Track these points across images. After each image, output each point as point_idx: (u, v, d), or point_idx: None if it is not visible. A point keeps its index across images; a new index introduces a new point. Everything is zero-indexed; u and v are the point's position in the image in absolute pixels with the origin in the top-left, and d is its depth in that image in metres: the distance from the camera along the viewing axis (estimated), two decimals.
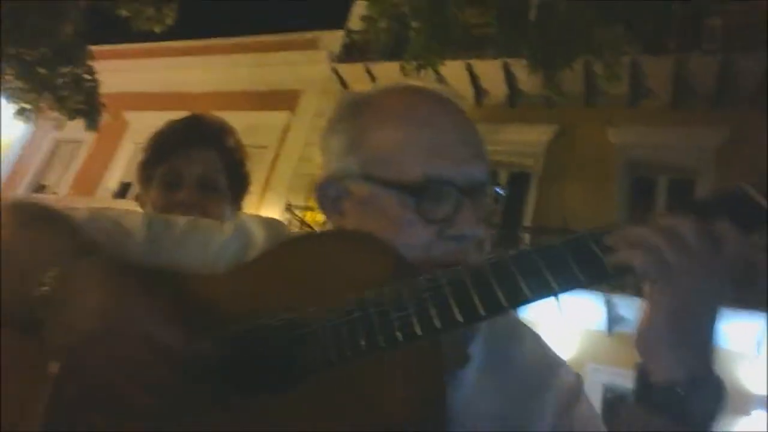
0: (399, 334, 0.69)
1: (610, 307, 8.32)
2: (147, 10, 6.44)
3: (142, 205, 1.62)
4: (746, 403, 7.43)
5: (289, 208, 10.31)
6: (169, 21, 6.62)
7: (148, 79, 13.55)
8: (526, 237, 9.50)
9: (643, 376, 0.74)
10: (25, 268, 0.75)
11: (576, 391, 0.90)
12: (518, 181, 10.63)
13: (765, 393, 7.25)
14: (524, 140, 10.54)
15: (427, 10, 4.81)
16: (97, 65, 6.85)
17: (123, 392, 0.67)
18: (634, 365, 0.75)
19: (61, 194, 12.98)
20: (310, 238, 0.87)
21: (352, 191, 0.86)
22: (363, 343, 0.69)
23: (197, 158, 1.57)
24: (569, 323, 8.71)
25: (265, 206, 11.00)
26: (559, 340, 8.56)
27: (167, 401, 0.67)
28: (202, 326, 0.72)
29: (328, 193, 0.88)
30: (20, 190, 13.48)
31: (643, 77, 9.94)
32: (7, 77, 5.93)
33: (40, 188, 13.87)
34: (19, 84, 6.06)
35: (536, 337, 0.96)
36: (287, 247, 0.83)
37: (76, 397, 0.70)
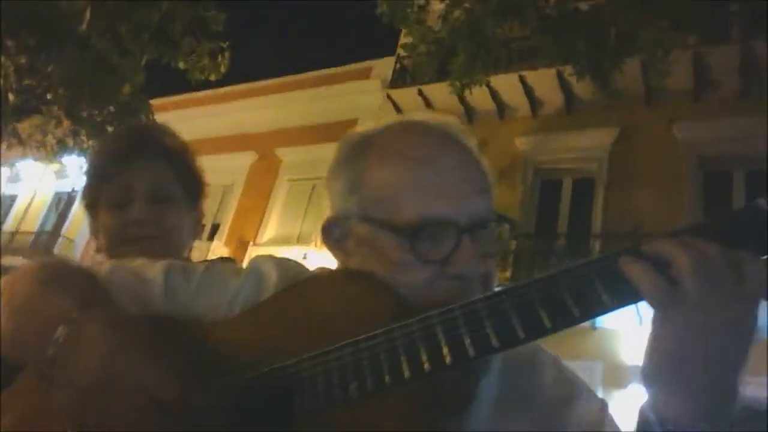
0: (387, 378, 0.69)
1: None
2: (202, 60, 6.79)
3: (95, 233, 1.49)
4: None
5: None
6: (223, 69, 6.95)
7: (212, 124, 14.16)
8: (597, 245, 9.21)
9: (642, 410, 0.71)
10: (39, 326, 0.79)
11: (598, 422, 0.86)
12: (583, 187, 10.36)
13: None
14: (585, 146, 10.29)
15: (465, 31, 4.83)
16: (161, 116, 7.26)
17: None
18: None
19: None
20: (313, 281, 0.88)
21: (353, 231, 0.86)
22: (354, 386, 0.70)
23: (143, 170, 1.43)
24: (649, 329, 8.33)
25: None
26: (639, 347, 8.21)
27: None
28: (205, 376, 0.74)
29: (332, 232, 0.89)
30: None
31: (707, 69, 9.52)
32: (81, 138, 6.41)
33: None
34: (91, 143, 6.50)
35: (556, 366, 0.93)
36: (292, 291, 0.84)
37: None
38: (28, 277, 0.89)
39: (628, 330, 8.58)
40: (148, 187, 1.41)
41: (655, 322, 0.68)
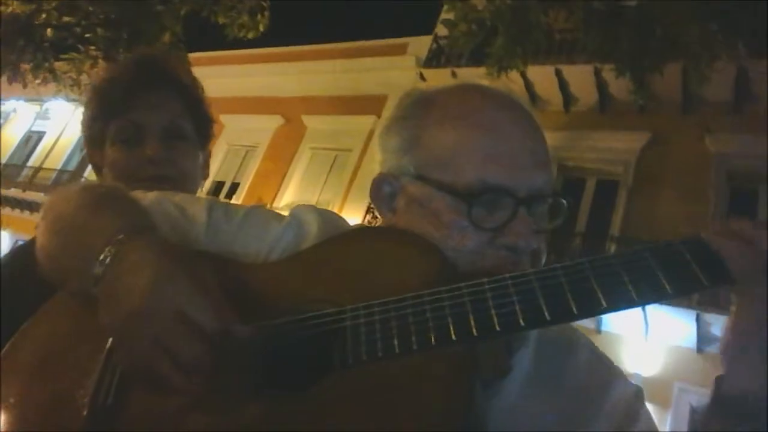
0: (433, 338, 0.68)
1: (701, 324, 7.85)
2: (242, 17, 6.78)
3: (97, 169, 1.40)
4: None
5: (370, 209, 10.48)
6: (262, 28, 6.93)
7: (242, 84, 14.17)
8: (613, 248, 9.13)
9: (719, 382, 0.70)
10: (86, 246, 0.79)
11: (634, 408, 0.85)
12: (606, 189, 10.24)
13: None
14: (614, 147, 10.15)
15: (508, 13, 4.75)
16: (195, 71, 7.28)
17: (159, 369, 0.69)
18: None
19: None
20: (359, 234, 0.87)
21: (406, 190, 0.84)
22: (396, 342, 0.69)
23: (156, 105, 1.34)
24: (655, 338, 8.30)
25: (348, 206, 11.23)
26: (643, 355, 8.20)
27: (199, 381, 0.69)
28: (244, 313, 0.74)
29: (382, 189, 0.87)
30: None
31: (749, 83, 9.31)
32: None
33: None
34: None
35: (592, 348, 0.91)
36: (335, 242, 0.83)
37: (123, 372, 0.75)
38: (75, 197, 0.89)
39: (633, 337, 8.55)
40: (161, 124, 1.34)
41: (741, 297, 0.68)
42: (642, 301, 0.65)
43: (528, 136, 0.83)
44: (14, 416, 0.79)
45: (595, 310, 0.65)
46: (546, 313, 0.66)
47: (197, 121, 1.41)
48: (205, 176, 1.49)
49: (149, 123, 1.33)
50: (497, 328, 0.67)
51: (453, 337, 0.67)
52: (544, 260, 0.82)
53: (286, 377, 0.72)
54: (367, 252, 0.80)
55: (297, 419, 0.69)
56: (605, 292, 0.65)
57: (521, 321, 0.66)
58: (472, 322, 0.67)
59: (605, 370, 0.89)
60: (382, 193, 0.87)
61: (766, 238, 0.64)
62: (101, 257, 0.76)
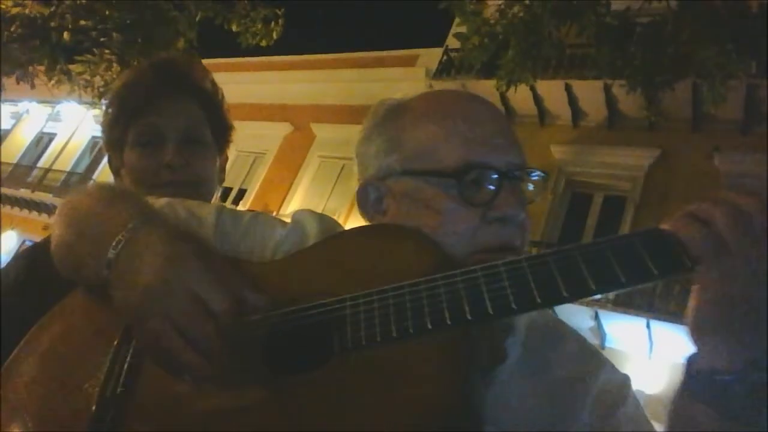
0: (428, 322, 0.70)
1: None
2: (255, 25, 6.85)
3: (116, 172, 1.41)
4: None
5: None
6: (276, 36, 7.00)
7: (252, 91, 14.25)
8: None
9: (689, 364, 0.71)
10: (99, 233, 0.83)
11: (621, 392, 0.88)
12: (613, 205, 10.24)
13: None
14: (622, 163, 10.16)
15: (521, 27, 4.78)
16: None
17: (169, 346, 0.71)
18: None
19: None
20: (356, 232, 0.89)
21: (392, 190, 0.88)
22: (393, 328, 0.71)
23: (177, 110, 1.36)
24: (660, 356, 8.24)
25: (354, 216, 11.25)
26: (647, 372, 8.14)
27: (211, 361, 0.71)
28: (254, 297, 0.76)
29: (369, 195, 0.90)
30: None
31: (759, 102, 9.30)
32: None
33: None
34: None
35: (577, 337, 0.94)
36: (334, 240, 0.87)
37: (137, 350, 0.78)
38: (91, 193, 0.94)
39: (637, 355, 8.50)
40: (180, 129, 1.35)
41: (703, 274, 0.68)
42: (630, 284, 0.66)
43: (499, 122, 0.91)
44: (27, 410, 0.81)
45: (584, 292, 0.68)
46: (537, 296, 0.68)
47: (216, 127, 1.43)
48: (221, 181, 1.50)
49: (169, 127, 1.35)
50: (490, 312, 0.69)
51: (448, 321, 0.70)
52: (530, 232, 0.88)
53: (289, 365, 0.74)
54: (365, 246, 0.83)
55: (296, 404, 0.71)
56: (593, 275, 0.67)
57: (513, 304, 0.69)
58: (466, 307, 0.70)
59: (593, 360, 0.92)
60: (369, 199, 0.91)
61: (720, 217, 0.65)
62: (114, 242, 0.79)
